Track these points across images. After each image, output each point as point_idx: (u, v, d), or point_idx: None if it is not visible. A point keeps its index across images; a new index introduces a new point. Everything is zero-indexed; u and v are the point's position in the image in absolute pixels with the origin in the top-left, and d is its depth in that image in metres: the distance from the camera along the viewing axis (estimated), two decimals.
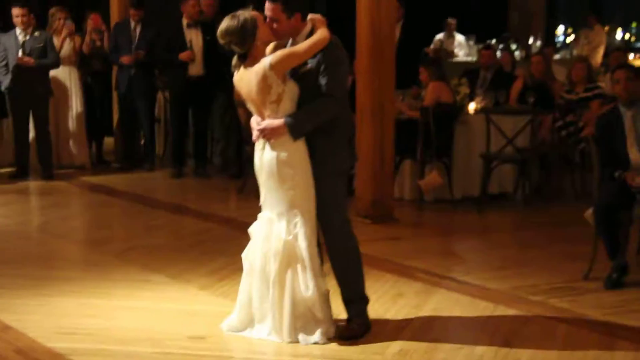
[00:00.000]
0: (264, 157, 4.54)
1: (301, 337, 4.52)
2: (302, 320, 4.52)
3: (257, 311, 4.60)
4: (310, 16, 4.58)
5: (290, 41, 4.59)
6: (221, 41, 4.50)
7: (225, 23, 4.45)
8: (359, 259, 4.73)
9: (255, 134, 4.57)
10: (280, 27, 4.51)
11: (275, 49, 4.56)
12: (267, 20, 4.52)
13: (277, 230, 4.52)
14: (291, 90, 4.47)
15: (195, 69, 9.38)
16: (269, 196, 4.57)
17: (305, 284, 4.48)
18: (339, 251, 4.67)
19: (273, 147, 4.49)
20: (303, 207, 4.50)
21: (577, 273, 5.82)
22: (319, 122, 4.50)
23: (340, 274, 4.70)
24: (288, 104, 4.46)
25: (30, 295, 5.38)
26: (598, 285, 5.60)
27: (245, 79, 4.50)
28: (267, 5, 4.50)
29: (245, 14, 4.44)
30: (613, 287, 5.55)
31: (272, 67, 4.39)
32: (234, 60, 4.54)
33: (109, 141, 10.76)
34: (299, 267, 4.49)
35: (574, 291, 5.54)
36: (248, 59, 4.48)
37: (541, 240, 6.96)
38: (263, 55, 4.48)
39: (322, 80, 4.46)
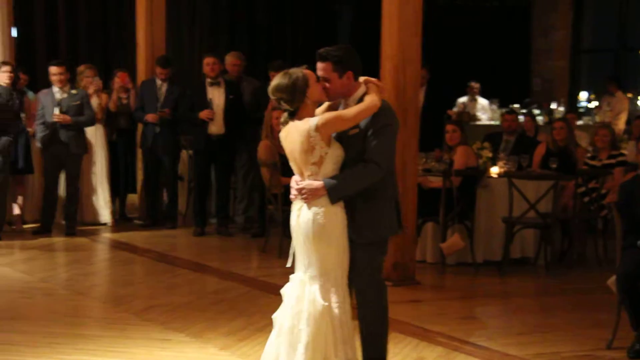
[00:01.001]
0: (301, 217, 4.51)
1: None
2: None
3: None
4: (364, 79, 4.59)
5: (342, 102, 4.60)
6: (272, 97, 4.53)
7: (276, 80, 4.48)
8: (387, 329, 4.69)
9: (293, 192, 4.56)
10: (332, 87, 4.51)
11: (328, 110, 4.59)
12: (319, 79, 4.52)
13: (311, 293, 4.48)
14: (334, 153, 4.46)
15: (216, 128, 9.47)
16: (303, 258, 4.54)
17: (336, 352, 4.43)
18: (369, 319, 4.63)
19: (311, 209, 4.47)
20: (336, 273, 4.47)
21: (600, 341, 5.76)
22: (359, 188, 4.47)
23: (366, 341, 4.66)
24: (330, 167, 4.45)
25: (50, 353, 5.37)
26: (621, 355, 5.53)
27: (290, 137, 4.50)
28: (319, 64, 4.52)
29: (297, 72, 4.45)
30: (636, 357, 5.47)
31: (318, 128, 4.38)
32: (283, 117, 4.54)
33: (132, 198, 10.84)
34: (332, 334, 4.44)
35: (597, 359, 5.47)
36: (296, 117, 4.49)
37: (563, 306, 6.90)
38: (312, 114, 4.48)
39: (368, 146, 4.45)
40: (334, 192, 4.45)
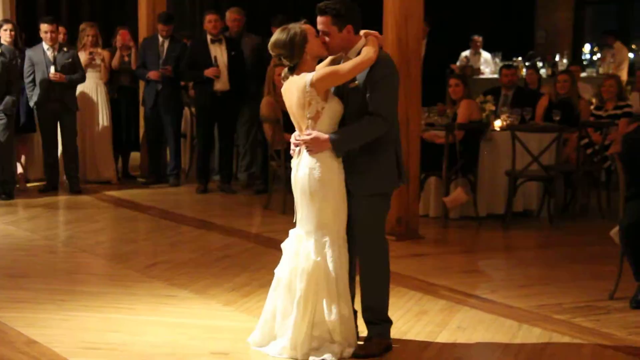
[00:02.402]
0: (297, 173, 4.54)
1: (312, 357, 4.47)
2: (318, 341, 4.51)
3: (279, 326, 4.59)
4: (364, 32, 4.56)
5: (344, 57, 4.56)
6: (271, 53, 4.52)
7: (275, 36, 4.47)
8: (388, 283, 4.70)
9: (292, 147, 4.56)
10: (332, 41, 4.50)
11: (330, 64, 4.57)
12: (319, 34, 4.51)
13: (306, 249, 4.51)
14: (332, 108, 4.46)
15: (221, 85, 9.43)
16: (300, 213, 4.56)
17: (329, 308, 4.46)
18: (371, 273, 4.64)
19: (307, 164, 4.48)
20: (332, 228, 4.48)
21: (603, 292, 5.78)
22: (363, 140, 4.46)
23: (367, 295, 4.67)
24: (326, 122, 4.46)
25: (55, 310, 5.41)
26: (624, 305, 5.56)
27: (289, 92, 4.51)
28: (318, 19, 4.51)
29: (295, 27, 4.44)
30: (638, 307, 5.50)
31: (313, 84, 4.38)
32: (284, 72, 4.54)
33: (135, 156, 10.84)
34: (325, 289, 4.47)
35: (599, 310, 5.50)
36: (296, 72, 4.48)
37: (566, 258, 6.92)
38: (312, 69, 4.47)
39: (369, 99, 4.43)
40: (339, 145, 4.45)
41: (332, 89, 4.48)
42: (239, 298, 5.69)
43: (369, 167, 4.53)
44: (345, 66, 4.44)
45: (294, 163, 4.59)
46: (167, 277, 6.22)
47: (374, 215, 4.58)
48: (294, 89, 4.46)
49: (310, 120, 4.46)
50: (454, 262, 6.82)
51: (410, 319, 5.30)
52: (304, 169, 4.49)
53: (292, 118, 4.58)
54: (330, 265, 4.47)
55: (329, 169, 4.46)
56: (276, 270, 4.66)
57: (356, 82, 4.48)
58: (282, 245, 4.67)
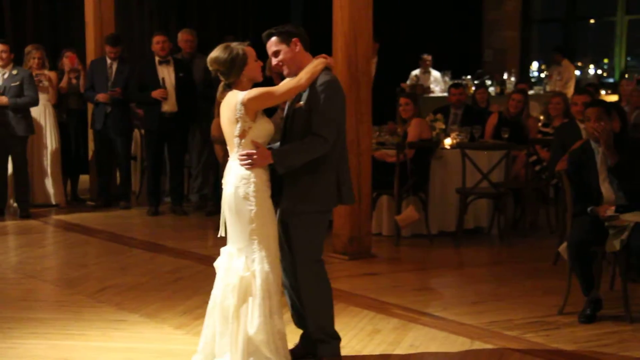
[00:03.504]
0: (225, 191, 4.57)
1: None
2: (255, 357, 4.48)
3: (218, 346, 4.55)
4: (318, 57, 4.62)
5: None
6: (210, 68, 4.56)
7: (216, 52, 4.53)
8: (329, 299, 4.71)
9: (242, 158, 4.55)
10: (285, 58, 4.58)
11: None
12: (271, 55, 4.60)
13: (236, 265, 4.52)
14: (260, 128, 4.50)
15: (169, 106, 9.39)
16: (230, 230, 4.58)
17: (252, 320, 4.46)
18: (309, 290, 4.65)
19: (232, 183, 4.51)
20: (262, 244, 4.50)
21: (552, 308, 5.86)
22: (304, 159, 4.49)
23: (309, 313, 4.68)
24: (251, 142, 4.49)
25: (2, 338, 5.30)
26: (573, 320, 5.63)
27: (223, 108, 4.55)
28: (267, 45, 4.61)
29: (238, 47, 4.50)
30: (587, 321, 5.58)
31: (244, 103, 4.43)
32: (220, 87, 4.58)
33: (84, 179, 10.71)
34: (253, 304, 4.47)
35: (549, 326, 5.56)
36: (230, 90, 4.53)
37: (517, 274, 6.99)
38: (246, 90, 4.51)
39: (313, 119, 4.48)
40: (280, 159, 4.49)
41: (278, 108, 4.53)
42: (190, 321, 5.65)
43: (306, 187, 4.56)
44: (278, 89, 4.52)
45: (223, 181, 4.61)
46: (117, 301, 6.14)
47: (309, 235, 4.60)
48: (226, 106, 4.51)
49: (237, 138, 4.49)
50: (407, 280, 6.85)
51: (364, 338, 5.30)
52: (229, 187, 4.53)
53: (224, 134, 4.60)
54: (259, 281, 4.47)
55: (254, 187, 4.47)
56: (212, 291, 4.65)
57: (301, 102, 4.53)
58: (215, 264, 4.68)
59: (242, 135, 4.48)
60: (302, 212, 4.57)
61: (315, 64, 4.55)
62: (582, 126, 7.37)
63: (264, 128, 4.53)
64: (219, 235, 4.67)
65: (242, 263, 4.50)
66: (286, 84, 4.55)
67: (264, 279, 4.47)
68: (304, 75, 4.51)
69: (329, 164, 4.58)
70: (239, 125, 4.46)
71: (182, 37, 9.88)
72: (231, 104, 4.48)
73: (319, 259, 4.67)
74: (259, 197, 4.48)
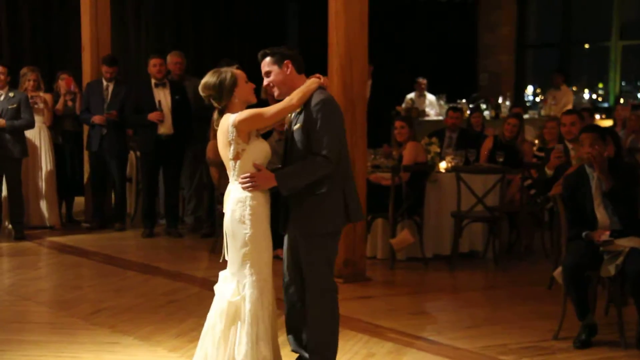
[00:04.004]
0: (225, 215, 4.56)
1: None
2: None
3: None
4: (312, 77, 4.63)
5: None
6: (202, 94, 4.57)
7: (206, 78, 4.55)
8: (334, 327, 4.66)
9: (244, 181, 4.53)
10: (276, 79, 4.59)
11: None
12: (263, 75, 4.62)
13: (227, 289, 4.51)
14: (255, 149, 4.50)
15: (165, 128, 9.40)
16: (229, 254, 4.57)
17: (239, 345, 4.44)
18: (315, 316, 4.61)
19: (229, 207, 4.50)
20: (254, 268, 4.47)
21: (547, 332, 5.85)
22: (307, 179, 4.48)
23: (311, 338, 4.65)
24: (248, 164, 4.48)
25: None
26: (567, 345, 5.62)
27: (219, 132, 4.56)
28: (261, 65, 4.63)
29: (227, 71, 4.51)
30: (582, 347, 5.57)
31: (234, 125, 4.44)
32: (215, 114, 4.59)
33: (79, 200, 10.69)
34: (240, 328, 4.45)
35: (544, 350, 5.55)
36: (224, 114, 4.53)
37: (511, 299, 6.98)
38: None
39: (314, 139, 4.47)
40: (284, 183, 4.47)
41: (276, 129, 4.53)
42: (185, 344, 5.62)
43: (312, 209, 4.54)
44: (269, 110, 4.51)
45: (224, 205, 4.61)
46: (111, 323, 6.12)
47: (318, 257, 4.57)
48: (221, 129, 4.53)
49: (232, 161, 4.50)
50: (401, 304, 6.84)
51: None
52: (227, 210, 4.53)
53: (222, 158, 4.60)
54: (248, 306, 4.45)
55: (250, 210, 4.46)
56: (208, 314, 4.63)
57: (298, 124, 4.53)
58: (214, 288, 4.66)
59: (236, 157, 4.48)
60: (311, 234, 4.55)
61: (308, 84, 4.55)
62: (570, 146, 7.53)
63: (259, 150, 4.52)
64: (220, 260, 4.63)
65: (233, 288, 4.49)
66: (278, 105, 4.55)
67: (253, 304, 4.45)
68: (295, 95, 4.51)
69: (333, 183, 4.54)
70: (232, 147, 4.47)
71: (172, 59, 9.89)
72: (224, 127, 4.49)
73: (331, 288, 4.62)
74: (254, 220, 4.46)
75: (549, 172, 8.28)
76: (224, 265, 4.63)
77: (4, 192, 9.52)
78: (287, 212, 4.64)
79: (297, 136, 4.56)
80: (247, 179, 4.46)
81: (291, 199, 4.58)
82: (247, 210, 4.45)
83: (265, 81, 4.64)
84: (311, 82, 4.56)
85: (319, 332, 4.63)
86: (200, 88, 4.57)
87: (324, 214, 4.55)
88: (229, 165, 4.53)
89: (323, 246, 4.58)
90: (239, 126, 4.43)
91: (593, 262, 5.56)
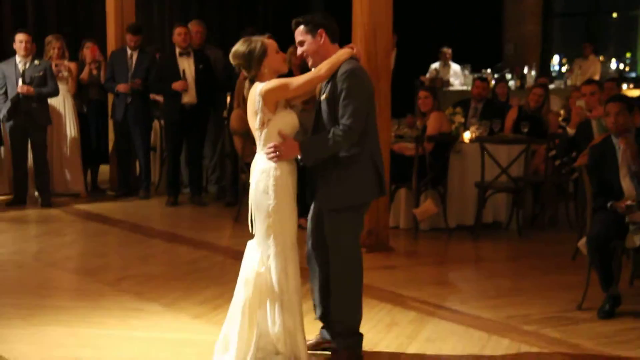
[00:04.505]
0: (250, 185, 4.56)
1: None
2: (263, 352, 4.48)
3: (226, 336, 4.55)
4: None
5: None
6: (232, 62, 4.56)
7: (236, 46, 4.52)
8: (359, 297, 4.67)
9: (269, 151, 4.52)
10: (309, 48, 4.56)
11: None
12: (297, 44, 4.58)
13: (253, 259, 4.52)
14: (281, 121, 4.48)
15: (189, 98, 9.42)
16: (255, 224, 4.57)
17: (272, 318, 4.46)
18: (340, 286, 4.60)
19: (254, 177, 4.51)
20: (278, 239, 4.47)
21: (571, 303, 5.83)
22: (331, 150, 4.46)
23: (336, 308, 4.64)
24: (273, 134, 4.47)
25: (23, 324, 5.35)
26: (591, 315, 5.61)
27: (249, 101, 4.55)
28: (295, 34, 4.59)
29: (257, 40, 4.48)
30: (606, 317, 5.56)
31: (261, 94, 4.42)
32: (246, 81, 4.58)
33: (104, 169, 10.77)
34: (268, 300, 4.47)
35: (568, 321, 5.54)
36: (254, 83, 4.52)
37: (535, 269, 6.97)
38: None
39: (340, 110, 4.45)
40: (308, 153, 4.47)
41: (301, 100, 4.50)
42: (208, 311, 5.67)
43: (340, 181, 4.52)
44: (296, 80, 4.48)
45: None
46: (136, 290, 6.17)
47: (343, 229, 4.56)
48: (250, 99, 4.52)
49: (257, 131, 4.49)
50: (424, 274, 6.85)
51: (381, 330, 5.31)
52: (253, 181, 4.53)
53: (250, 128, 4.60)
54: (274, 277, 4.46)
55: (274, 180, 4.45)
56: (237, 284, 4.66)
57: (326, 93, 4.50)
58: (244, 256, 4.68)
59: (261, 127, 4.47)
60: (338, 207, 4.53)
61: (338, 55, 4.51)
62: (588, 115, 7.69)
63: (286, 121, 4.50)
64: (251, 231, 4.62)
65: (258, 258, 4.50)
66: (305, 75, 4.53)
67: (278, 275, 4.46)
68: (324, 66, 4.48)
69: (362, 154, 4.51)
70: (258, 117, 4.46)
71: (192, 28, 9.85)
72: (252, 97, 4.48)
73: (354, 254, 4.61)
74: (278, 190, 4.45)
75: (570, 131, 8.28)
76: (247, 233, 4.65)
77: (30, 160, 9.59)
78: (314, 182, 4.63)
79: (323, 106, 4.53)
80: (272, 149, 4.46)
81: (317, 170, 4.56)
82: (270, 180, 4.45)
83: (299, 50, 4.60)
84: (342, 53, 4.51)
85: (343, 302, 4.63)
86: (230, 56, 4.53)
87: (352, 186, 4.53)
88: (256, 135, 4.52)
89: (350, 219, 4.58)
90: (265, 96, 4.42)
91: (618, 232, 5.53)
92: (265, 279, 4.47)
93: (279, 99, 4.48)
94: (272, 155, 4.45)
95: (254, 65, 4.47)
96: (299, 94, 4.56)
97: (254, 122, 4.50)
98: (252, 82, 4.54)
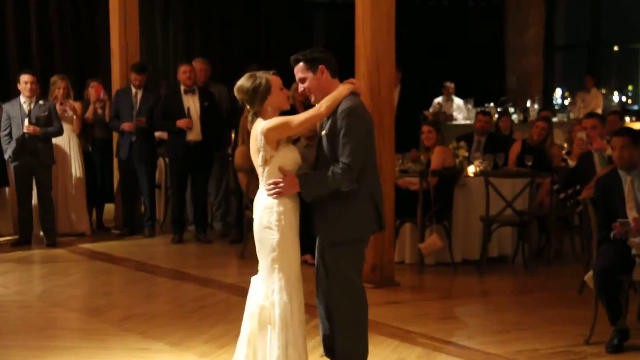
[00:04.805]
0: (254, 221, 4.58)
1: None
2: None
3: None
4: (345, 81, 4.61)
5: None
6: (236, 96, 4.59)
7: (241, 81, 4.56)
8: (362, 333, 4.65)
9: (269, 187, 4.54)
10: (310, 85, 4.57)
11: None
12: (298, 81, 4.60)
13: (257, 293, 4.53)
14: (284, 157, 4.51)
15: (194, 135, 9.45)
16: (259, 260, 4.59)
17: (270, 351, 4.45)
18: (341, 323, 4.60)
19: (257, 213, 4.53)
20: (282, 273, 4.49)
21: (579, 337, 5.80)
22: (330, 187, 4.47)
23: (338, 343, 4.63)
24: (276, 170, 4.50)
25: None
26: (599, 350, 5.57)
27: (251, 137, 4.57)
28: (295, 70, 4.61)
29: (262, 77, 4.51)
30: (614, 351, 5.52)
31: (263, 132, 4.46)
32: (250, 115, 4.61)
33: (109, 208, 10.78)
34: (270, 334, 4.47)
35: (576, 356, 5.51)
36: (257, 119, 4.55)
37: (542, 303, 6.94)
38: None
39: (339, 147, 4.46)
40: (307, 190, 4.49)
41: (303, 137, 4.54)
42: (215, 349, 5.64)
43: (338, 216, 4.54)
44: (297, 118, 4.52)
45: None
46: (142, 329, 6.15)
47: (342, 264, 4.56)
48: (253, 135, 4.55)
49: (260, 167, 4.51)
50: (431, 309, 6.82)
51: None
52: (256, 217, 4.55)
53: (254, 164, 4.62)
54: (278, 311, 4.46)
55: (277, 216, 4.47)
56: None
57: (327, 129, 4.52)
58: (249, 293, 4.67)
59: (264, 164, 4.50)
60: (336, 242, 4.54)
61: (339, 91, 4.53)
62: (589, 147, 7.72)
63: (288, 157, 4.53)
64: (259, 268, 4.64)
65: (262, 292, 4.51)
66: (306, 112, 4.56)
67: (282, 309, 4.46)
68: (324, 103, 4.51)
69: (360, 190, 4.53)
70: (261, 154, 4.49)
71: (196, 66, 9.90)
72: (254, 134, 4.51)
73: (354, 289, 4.60)
74: (281, 226, 4.47)
75: (571, 162, 8.28)
76: (253, 270, 4.65)
77: (34, 200, 9.61)
78: (314, 216, 4.64)
79: (324, 142, 4.57)
80: (272, 185, 4.47)
81: (316, 206, 4.58)
82: (274, 216, 4.47)
83: (301, 87, 4.63)
84: (342, 89, 4.54)
85: (346, 337, 4.62)
86: (235, 90, 4.57)
87: (350, 220, 4.54)
88: (259, 171, 4.54)
89: (348, 253, 4.58)
90: (267, 134, 4.45)
91: (624, 265, 5.51)
92: (269, 313, 4.47)
93: (281, 137, 4.51)
94: (273, 191, 4.46)
95: (257, 102, 4.51)
96: (300, 132, 4.61)
97: (256, 158, 4.53)
98: (255, 116, 4.57)
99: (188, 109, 9.43)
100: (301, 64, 4.58)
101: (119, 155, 10.15)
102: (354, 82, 4.61)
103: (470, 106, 14.06)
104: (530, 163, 8.52)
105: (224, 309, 6.76)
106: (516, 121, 13.25)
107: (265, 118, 4.51)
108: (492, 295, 7.45)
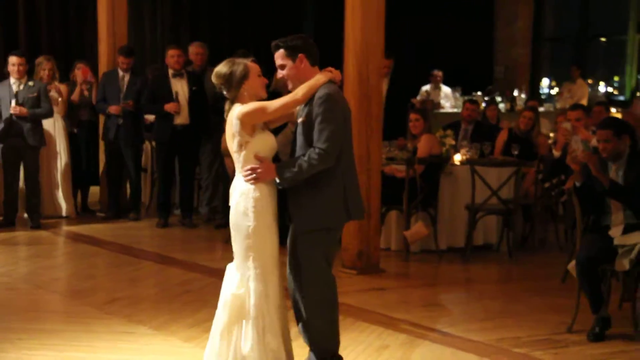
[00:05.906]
0: (230, 207, 4.57)
1: None
2: None
3: None
4: (324, 69, 4.61)
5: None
6: (214, 81, 4.58)
7: (219, 66, 4.55)
8: (332, 319, 4.65)
9: (246, 173, 4.54)
10: (289, 73, 4.57)
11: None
12: (277, 68, 4.60)
13: (232, 281, 4.52)
14: (259, 143, 4.50)
15: (181, 119, 9.43)
16: (233, 246, 4.58)
17: (245, 339, 4.44)
18: (311, 310, 4.59)
19: (233, 199, 4.52)
20: (257, 261, 4.47)
21: (561, 325, 5.84)
22: (305, 173, 4.45)
23: (310, 331, 4.63)
24: (251, 156, 4.49)
25: (12, 348, 5.32)
26: (581, 338, 5.62)
27: (227, 124, 4.57)
28: (275, 56, 4.60)
29: (240, 63, 4.51)
30: (596, 340, 5.56)
31: (239, 116, 4.45)
32: (227, 104, 4.60)
33: (94, 190, 10.75)
34: (246, 322, 4.46)
35: (558, 344, 5.54)
36: (234, 105, 4.54)
37: (525, 291, 6.98)
38: None
39: (315, 133, 4.46)
40: (284, 176, 4.47)
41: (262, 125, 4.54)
42: (199, 334, 5.64)
43: (311, 203, 4.52)
44: (273, 104, 4.50)
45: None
46: (126, 313, 6.15)
47: (313, 251, 4.55)
48: (228, 121, 4.55)
49: (235, 153, 4.51)
50: (415, 296, 6.84)
51: (372, 353, 5.29)
52: (232, 203, 4.54)
53: (229, 149, 4.61)
54: (253, 300, 4.45)
55: (253, 202, 4.46)
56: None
57: (304, 117, 4.52)
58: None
59: (239, 149, 4.49)
60: (308, 229, 4.53)
61: (316, 78, 4.53)
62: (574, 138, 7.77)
63: (264, 143, 4.52)
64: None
65: (237, 280, 4.50)
66: (282, 98, 4.54)
67: (258, 297, 4.45)
68: (301, 90, 4.50)
69: (332, 178, 4.52)
70: (236, 139, 4.48)
71: (194, 50, 9.92)
72: (230, 118, 4.50)
73: (324, 276, 4.59)
74: (257, 212, 4.46)
75: (556, 153, 8.33)
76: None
77: (21, 182, 9.57)
78: (288, 203, 4.63)
79: (300, 129, 4.57)
80: (249, 171, 4.47)
81: (290, 193, 4.57)
82: (250, 202, 4.46)
83: (279, 74, 4.63)
84: (320, 77, 4.53)
85: (316, 324, 4.61)
86: (212, 75, 4.58)
87: (321, 209, 4.53)
88: (235, 157, 4.54)
89: (319, 241, 4.56)
90: (242, 119, 4.44)
91: (607, 255, 5.55)
92: (243, 300, 4.46)
93: (256, 121, 4.50)
94: (249, 177, 4.46)
95: (233, 87, 4.50)
96: (276, 117, 4.58)
97: (232, 144, 4.52)
98: (232, 104, 4.56)
99: (176, 93, 9.40)
100: (281, 50, 4.57)
101: (105, 138, 10.11)
102: (332, 71, 4.61)
103: (457, 95, 14.08)
104: (516, 152, 8.56)
105: (208, 293, 6.73)
106: (503, 110, 13.29)
107: (241, 103, 4.50)
108: (477, 283, 7.49)
